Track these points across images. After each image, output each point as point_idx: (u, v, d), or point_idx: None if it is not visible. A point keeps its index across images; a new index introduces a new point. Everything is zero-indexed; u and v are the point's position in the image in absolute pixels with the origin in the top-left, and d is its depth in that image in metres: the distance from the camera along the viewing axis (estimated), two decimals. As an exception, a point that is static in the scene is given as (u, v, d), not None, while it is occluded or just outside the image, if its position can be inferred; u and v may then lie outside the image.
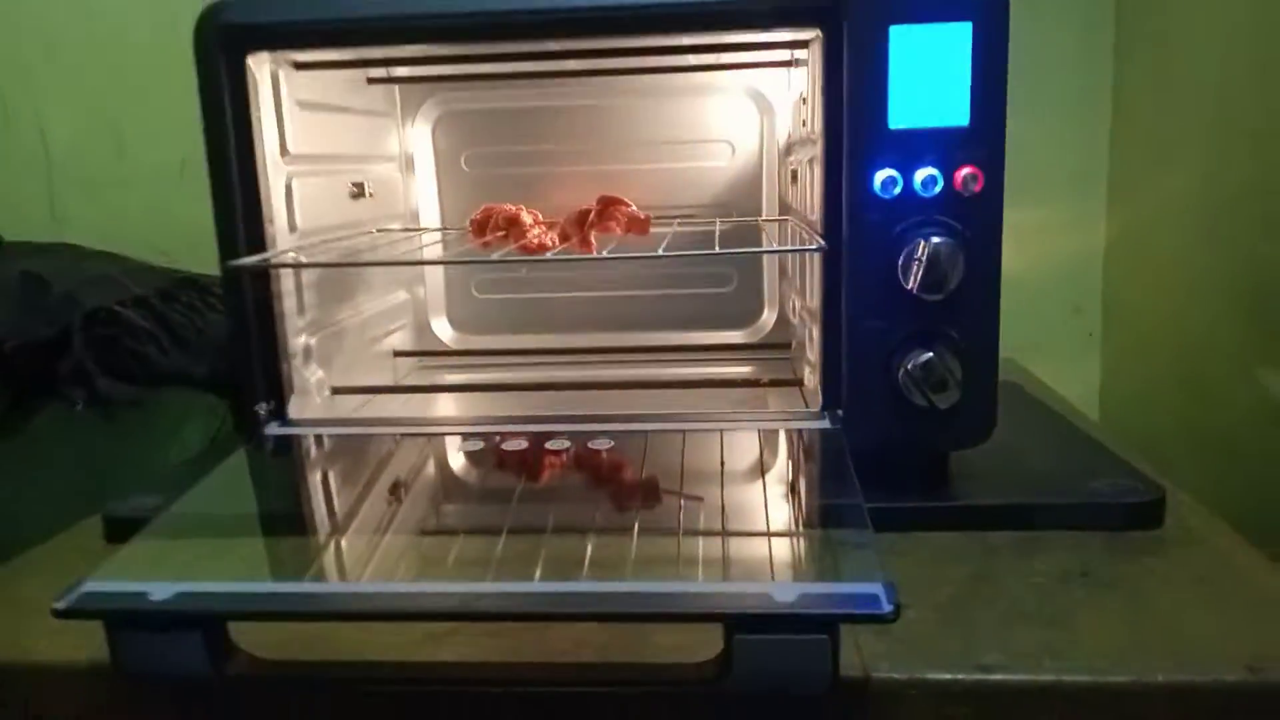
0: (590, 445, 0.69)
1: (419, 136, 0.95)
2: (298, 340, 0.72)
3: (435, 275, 0.97)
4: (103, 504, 0.70)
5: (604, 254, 0.70)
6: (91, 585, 0.48)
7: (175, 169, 1.19)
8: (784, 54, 0.81)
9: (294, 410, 0.71)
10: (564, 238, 0.73)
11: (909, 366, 0.62)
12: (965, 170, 0.62)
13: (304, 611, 0.47)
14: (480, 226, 0.81)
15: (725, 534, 0.60)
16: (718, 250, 0.68)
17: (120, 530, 0.67)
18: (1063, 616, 0.52)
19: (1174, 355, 0.99)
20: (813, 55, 0.68)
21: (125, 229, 1.19)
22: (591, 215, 0.75)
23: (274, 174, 0.70)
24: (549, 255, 0.69)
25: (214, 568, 0.58)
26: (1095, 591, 0.55)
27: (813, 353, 0.71)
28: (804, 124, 0.77)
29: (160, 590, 0.47)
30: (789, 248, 0.75)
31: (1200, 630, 0.51)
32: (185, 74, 0.66)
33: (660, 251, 0.67)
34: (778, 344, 0.94)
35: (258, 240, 0.68)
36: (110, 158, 1.21)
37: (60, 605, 0.46)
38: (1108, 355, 1.16)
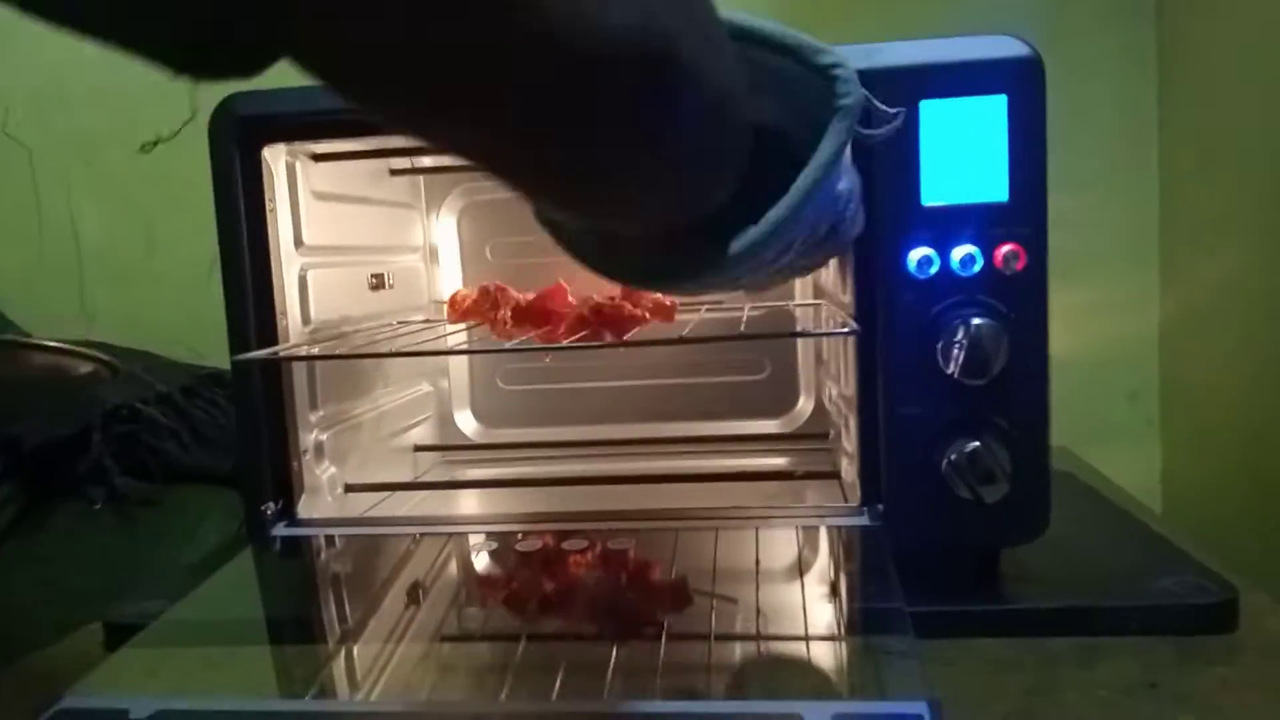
0: (612, 545, 0.65)
1: (444, 227, 0.94)
2: (309, 436, 0.70)
3: (459, 367, 0.95)
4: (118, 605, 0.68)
5: (626, 339, 0.68)
6: (69, 702, 0.45)
7: (204, 266, 1.19)
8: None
9: (304, 509, 0.68)
10: (585, 323, 0.70)
11: (953, 457, 0.58)
12: (1006, 248, 0.58)
13: (289, 733, 0.43)
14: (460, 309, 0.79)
15: (760, 638, 0.55)
16: (743, 332, 0.64)
17: (120, 636, 0.64)
18: (1132, 737, 0.47)
19: (1239, 442, 0.93)
20: (840, 133, 0.65)
21: (154, 325, 1.19)
22: (617, 298, 0.73)
23: (288, 266, 0.69)
24: (567, 343, 0.66)
25: (209, 679, 0.54)
26: (1165, 706, 0.50)
27: (850, 443, 0.67)
28: (834, 204, 0.74)
29: (140, 707, 0.44)
30: (818, 331, 0.71)
31: (1291, 753, 0.45)
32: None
33: (685, 334, 0.64)
34: (815, 434, 0.90)
35: (270, 333, 0.67)
36: (140, 255, 1.22)
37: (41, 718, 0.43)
38: (1168, 443, 1.10)
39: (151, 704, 0.44)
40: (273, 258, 0.66)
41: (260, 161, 0.66)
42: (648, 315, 0.73)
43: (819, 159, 0.40)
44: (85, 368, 0.47)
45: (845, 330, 0.61)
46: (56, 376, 0.61)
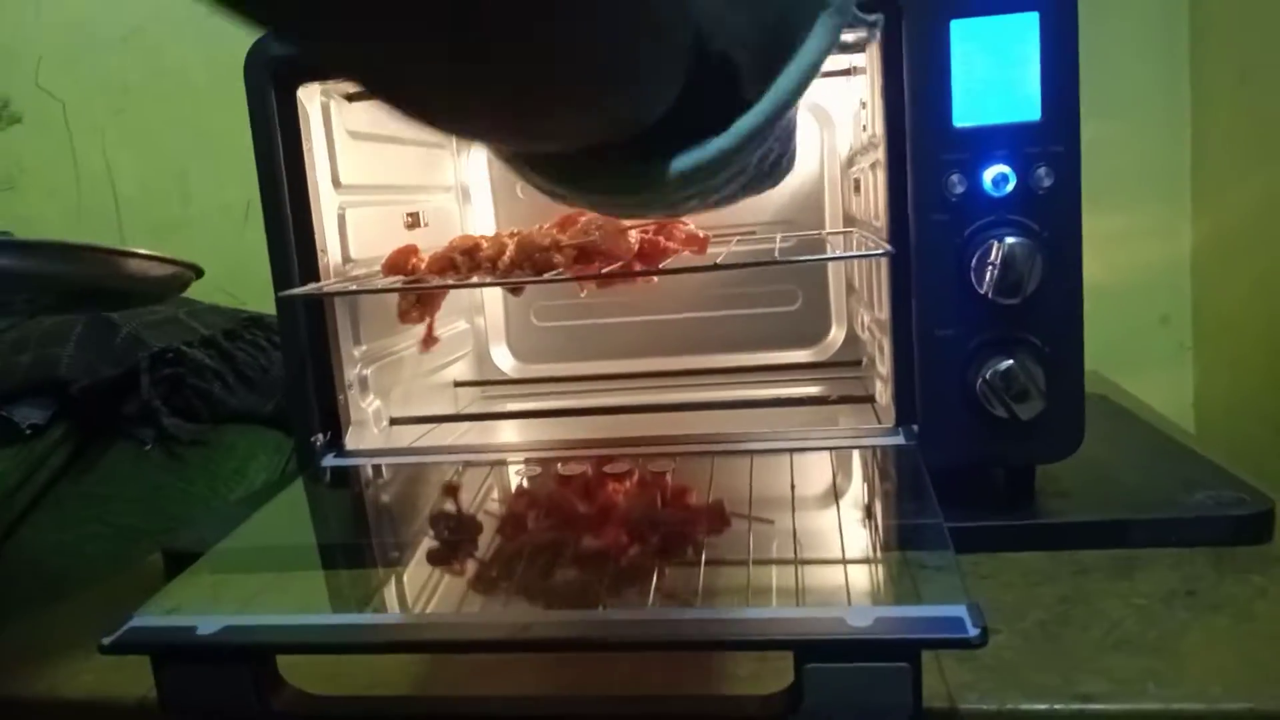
0: (653, 469, 0.67)
1: (475, 165, 0.94)
2: (353, 371, 0.71)
3: (494, 304, 0.96)
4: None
5: (660, 267, 0.68)
6: (138, 620, 0.47)
7: (239, 212, 1.21)
8: (842, 62, 0.79)
9: (351, 441, 0.70)
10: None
11: (987, 376, 0.59)
12: (1038, 166, 0.58)
13: (352, 644, 0.45)
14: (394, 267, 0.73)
15: (798, 561, 0.56)
16: (777, 259, 0.65)
17: (180, 565, 0.66)
18: (1167, 640, 0.48)
19: (1273, 365, 0.93)
20: (870, 56, 0.65)
21: (193, 271, 1.20)
22: (650, 231, 0.73)
23: (326, 204, 0.70)
24: (605, 270, 0.66)
25: (268, 601, 0.56)
26: (1201, 613, 0.50)
27: (884, 366, 0.68)
28: (865, 129, 0.74)
29: (208, 624, 0.46)
30: (853, 254, 0.72)
31: (1324, 652, 0.46)
32: (247, 120, 0.66)
33: (719, 263, 0.65)
34: (847, 362, 0.91)
35: (312, 271, 0.68)
36: (176, 204, 1.23)
37: (107, 641, 0.45)
38: (1200, 367, 1.10)
39: (218, 621, 0.46)
40: (312, 197, 0.67)
41: (296, 102, 0.66)
42: (680, 247, 0.73)
43: (806, 58, 0.34)
44: (168, 270, 0.48)
45: (879, 252, 0.61)
46: (145, 279, 0.63)
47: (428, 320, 0.78)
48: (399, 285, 0.70)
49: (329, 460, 0.69)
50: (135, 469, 0.90)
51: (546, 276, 0.64)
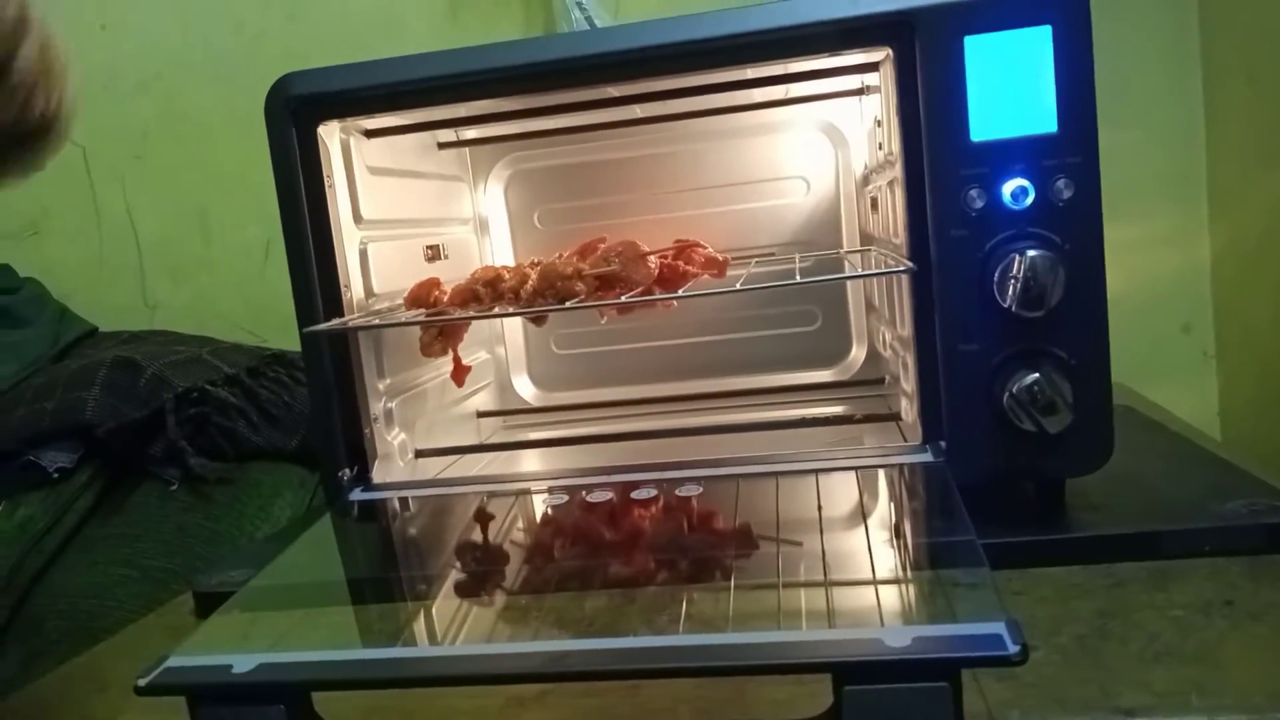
0: (679, 493, 0.66)
1: (492, 197, 0.95)
2: (378, 404, 0.72)
3: (515, 334, 0.97)
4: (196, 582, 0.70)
5: (681, 292, 0.68)
6: (174, 661, 0.47)
7: (259, 252, 1.22)
8: (854, 82, 0.79)
9: (378, 475, 0.70)
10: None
11: (1014, 389, 0.59)
12: (1058, 178, 0.58)
13: (385, 678, 0.45)
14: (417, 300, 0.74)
15: (828, 584, 0.56)
16: (798, 280, 0.65)
17: (210, 605, 0.67)
18: (1208, 651, 0.47)
19: (1300, 368, 0.92)
20: (884, 75, 0.65)
21: (214, 311, 1.22)
22: (670, 256, 0.74)
23: (348, 240, 0.70)
24: (626, 297, 0.67)
25: (301, 637, 0.56)
26: (1241, 623, 0.50)
27: (908, 384, 0.67)
28: (880, 147, 0.74)
29: (243, 662, 0.46)
30: (876, 271, 0.72)
31: (1370, 660, 0.45)
32: (266, 160, 0.67)
33: (739, 286, 0.65)
34: (869, 380, 0.90)
35: (335, 306, 0.68)
36: (197, 244, 1.25)
37: (143, 682, 0.45)
38: (1225, 374, 1.09)
39: (253, 659, 0.46)
40: (334, 232, 0.68)
41: (316, 139, 0.67)
42: (700, 271, 0.73)
43: None
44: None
45: (901, 269, 0.61)
46: None
47: (451, 353, 0.78)
48: (422, 318, 0.70)
49: (356, 494, 0.69)
50: (162, 509, 0.91)
51: (569, 304, 0.65)
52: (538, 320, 0.81)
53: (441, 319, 0.71)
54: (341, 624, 0.60)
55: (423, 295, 0.72)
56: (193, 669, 0.46)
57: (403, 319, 0.70)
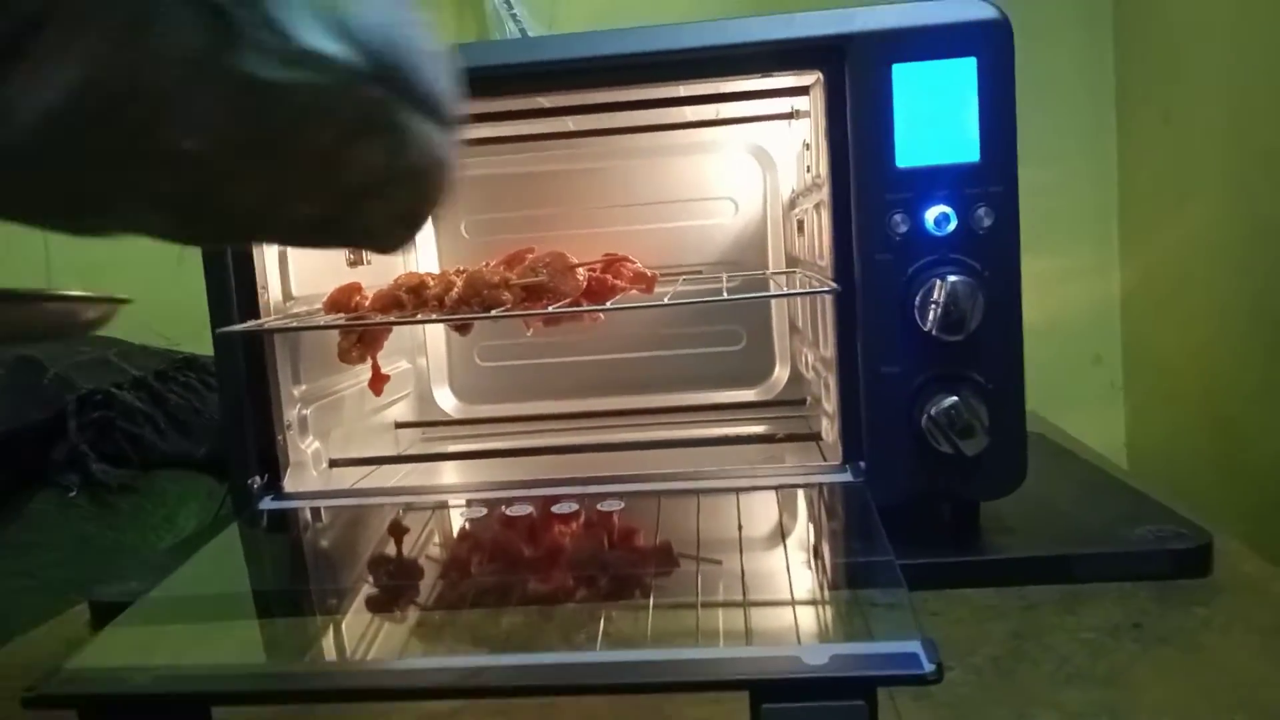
0: (600, 509, 0.66)
1: (417, 205, 0.94)
2: (292, 411, 0.70)
3: (437, 343, 0.95)
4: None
5: (609, 305, 0.68)
6: (65, 672, 0.45)
7: (173, 250, 1.18)
8: (785, 105, 0.80)
9: (289, 484, 0.68)
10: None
11: (932, 412, 0.59)
12: (979, 206, 0.59)
13: (290, 692, 0.43)
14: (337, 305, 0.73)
15: (747, 603, 0.56)
16: (725, 298, 0.65)
17: (108, 616, 0.64)
18: (1118, 673, 0.48)
19: (1201, 398, 0.95)
20: (814, 99, 0.66)
21: (124, 312, 1.17)
22: (598, 270, 0.73)
23: (266, 241, 0.68)
24: (553, 308, 0.66)
25: (201, 651, 0.54)
26: (1150, 645, 0.51)
27: (830, 404, 0.68)
28: (808, 170, 0.75)
29: (140, 674, 0.44)
30: (801, 290, 0.72)
31: (1268, 681, 0.47)
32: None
33: (666, 300, 0.65)
34: (791, 401, 0.91)
35: (251, 308, 0.66)
36: (107, 241, 1.20)
37: (31, 693, 0.43)
38: (1132, 404, 1.12)
39: (149, 670, 0.44)
40: (251, 233, 0.66)
41: (236, 136, 0.65)
42: (628, 285, 0.73)
43: None
44: (94, 313, 0.46)
45: (826, 289, 0.62)
46: (69, 324, 0.60)
47: (370, 360, 0.77)
48: (343, 322, 0.69)
49: (266, 503, 0.67)
50: (62, 517, 0.87)
51: (494, 314, 0.64)
52: (462, 329, 0.80)
53: (361, 324, 0.69)
54: (246, 637, 0.57)
55: (343, 300, 0.70)
56: (86, 680, 0.44)
57: (320, 323, 0.69)
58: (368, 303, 0.69)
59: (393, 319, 0.68)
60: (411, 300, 0.67)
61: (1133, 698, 0.46)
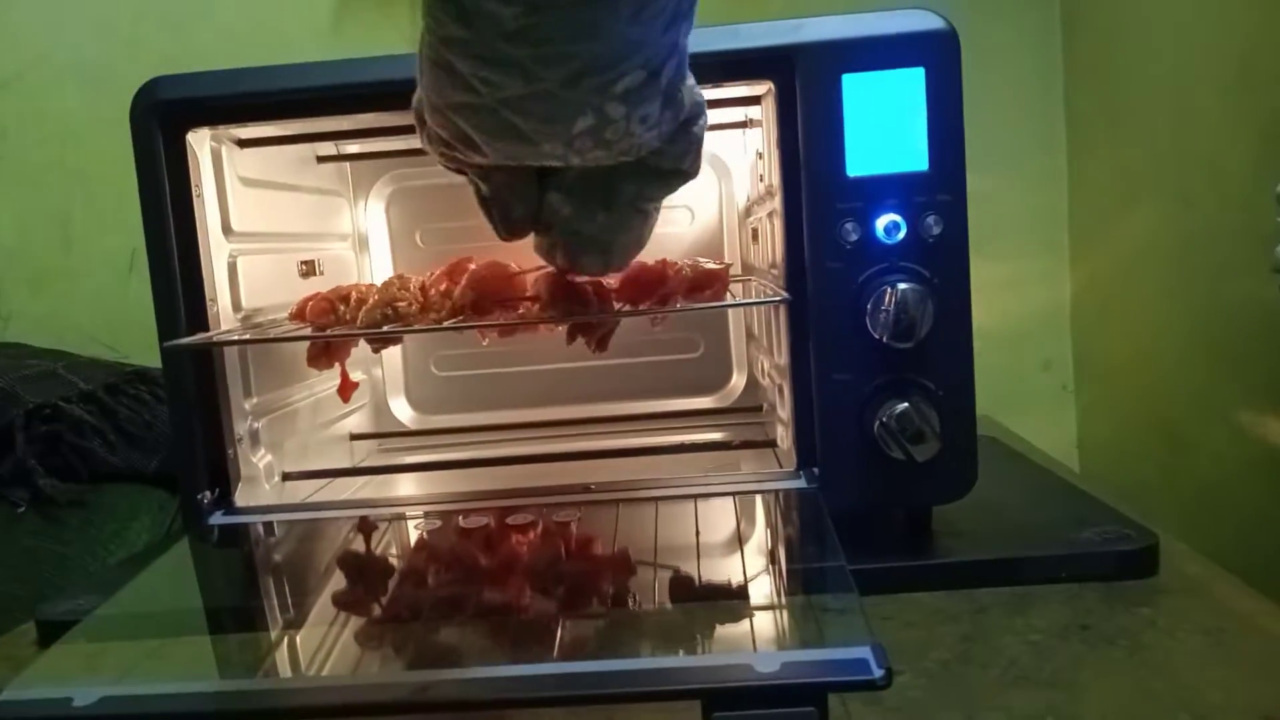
0: (557, 519, 0.66)
1: (372, 214, 0.93)
2: (244, 424, 0.69)
3: (393, 354, 0.94)
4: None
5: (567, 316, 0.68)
6: (9, 693, 0.44)
7: (123, 261, 1.16)
8: (738, 114, 0.80)
9: (241, 498, 0.68)
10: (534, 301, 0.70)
11: (884, 418, 0.60)
12: (928, 215, 0.60)
13: (242, 711, 0.43)
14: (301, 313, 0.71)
15: (702, 610, 0.56)
16: (680, 308, 0.65)
17: (54, 635, 0.63)
18: (1065, 675, 0.49)
19: (1148, 402, 0.97)
20: (766, 108, 0.66)
21: (73, 324, 1.16)
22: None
23: (216, 252, 0.68)
24: (505, 320, 0.66)
25: (150, 669, 0.53)
26: (1096, 646, 0.52)
27: (784, 411, 0.68)
28: (761, 179, 0.76)
29: (85, 695, 0.43)
30: (754, 300, 0.73)
31: (1210, 681, 0.48)
32: (132, 164, 0.64)
33: (621, 311, 0.65)
34: (748, 408, 0.92)
35: (200, 320, 0.66)
36: (57, 251, 1.18)
37: (-30, 719, 0.42)
38: (1083, 407, 1.14)
39: (95, 691, 0.43)
40: (201, 244, 0.65)
41: (185, 146, 0.64)
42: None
43: None
44: None
45: (778, 299, 0.62)
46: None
47: (339, 367, 0.76)
48: (292, 335, 0.68)
49: (216, 518, 0.66)
50: (8, 533, 0.85)
51: (449, 325, 0.64)
52: (379, 344, 0.78)
53: (306, 336, 0.69)
54: (197, 654, 0.57)
55: (303, 310, 0.69)
56: (29, 702, 0.44)
57: (272, 335, 0.68)
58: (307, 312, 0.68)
59: (343, 332, 0.67)
60: (346, 310, 0.67)
61: (1078, 699, 0.47)
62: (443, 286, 0.66)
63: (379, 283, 0.68)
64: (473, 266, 0.68)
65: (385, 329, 0.64)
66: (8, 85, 1.17)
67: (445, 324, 0.64)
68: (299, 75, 0.63)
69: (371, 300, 0.64)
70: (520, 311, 0.66)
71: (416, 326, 0.64)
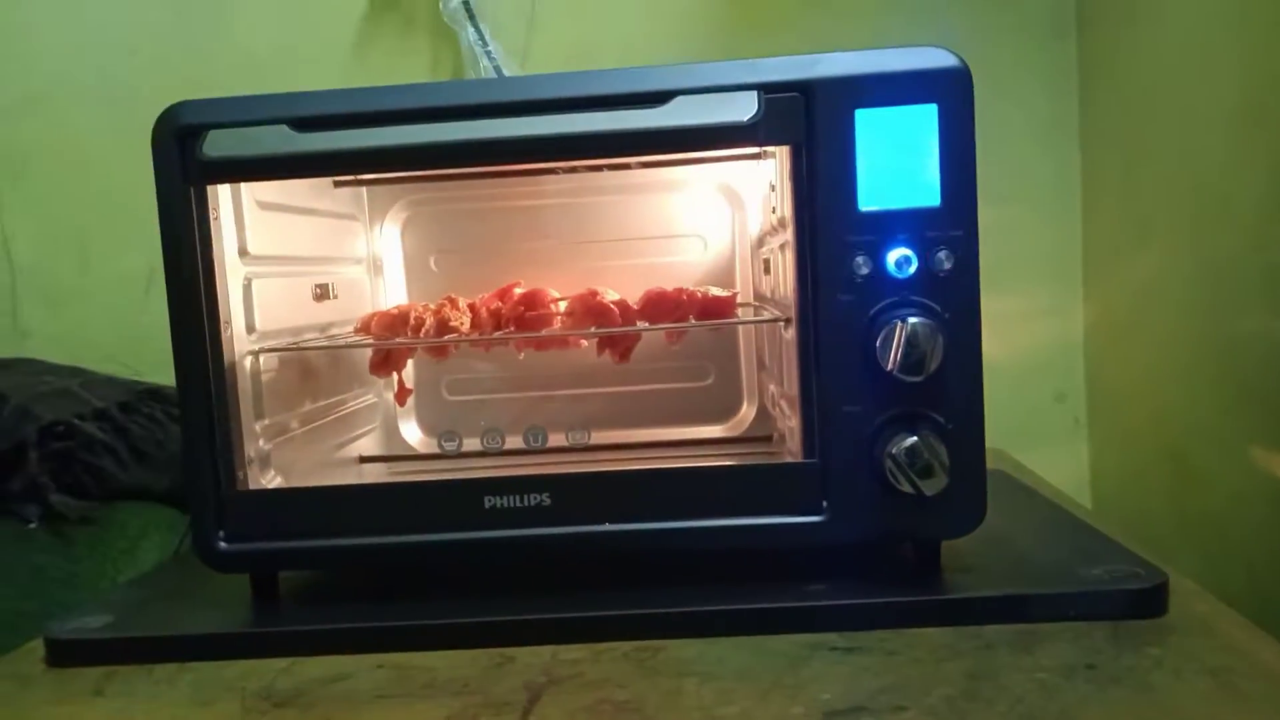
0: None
1: (387, 238, 0.94)
2: (254, 446, 0.69)
3: (405, 377, 0.95)
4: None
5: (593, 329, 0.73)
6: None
7: (140, 281, 1.18)
8: (753, 147, 0.81)
9: (251, 518, 0.68)
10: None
11: (893, 452, 0.60)
12: (939, 250, 0.60)
13: None
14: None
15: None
16: (691, 323, 0.67)
17: (63, 653, 0.63)
18: (1070, 713, 0.49)
19: (1161, 437, 0.97)
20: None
21: (89, 343, 1.17)
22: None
23: (232, 275, 0.68)
24: (540, 333, 0.69)
25: (159, 693, 0.54)
26: (1102, 686, 0.51)
27: (794, 443, 0.68)
28: (773, 211, 0.76)
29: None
30: (759, 319, 0.75)
31: (1218, 724, 0.47)
32: (152, 187, 0.64)
33: (640, 326, 0.66)
34: (758, 437, 0.92)
35: (215, 343, 0.66)
36: (74, 270, 1.20)
37: None
38: (1095, 441, 1.14)
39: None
40: (217, 267, 0.66)
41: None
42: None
43: None
44: None
45: (778, 318, 0.63)
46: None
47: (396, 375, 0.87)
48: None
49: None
50: (18, 549, 0.86)
51: (498, 335, 0.67)
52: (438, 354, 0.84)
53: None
54: (206, 679, 0.57)
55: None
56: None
57: (341, 343, 0.76)
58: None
59: (400, 340, 0.77)
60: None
61: (1084, 739, 0.46)
62: (493, 306, 0.77)
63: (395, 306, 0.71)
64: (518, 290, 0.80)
65: (444, 338, 0.75)
66: (29, 105, 1.19)
67: (496, 334, 0.75)
68: (320, 101, 0.63)
69: (430, 320, 0.75)
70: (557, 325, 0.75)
71: (470, 336, 0.75)
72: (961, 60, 0.61)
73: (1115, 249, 1.06)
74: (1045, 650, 0.56)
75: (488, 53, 1.08)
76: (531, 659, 0.58)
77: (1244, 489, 0.81)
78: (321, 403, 0.82)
